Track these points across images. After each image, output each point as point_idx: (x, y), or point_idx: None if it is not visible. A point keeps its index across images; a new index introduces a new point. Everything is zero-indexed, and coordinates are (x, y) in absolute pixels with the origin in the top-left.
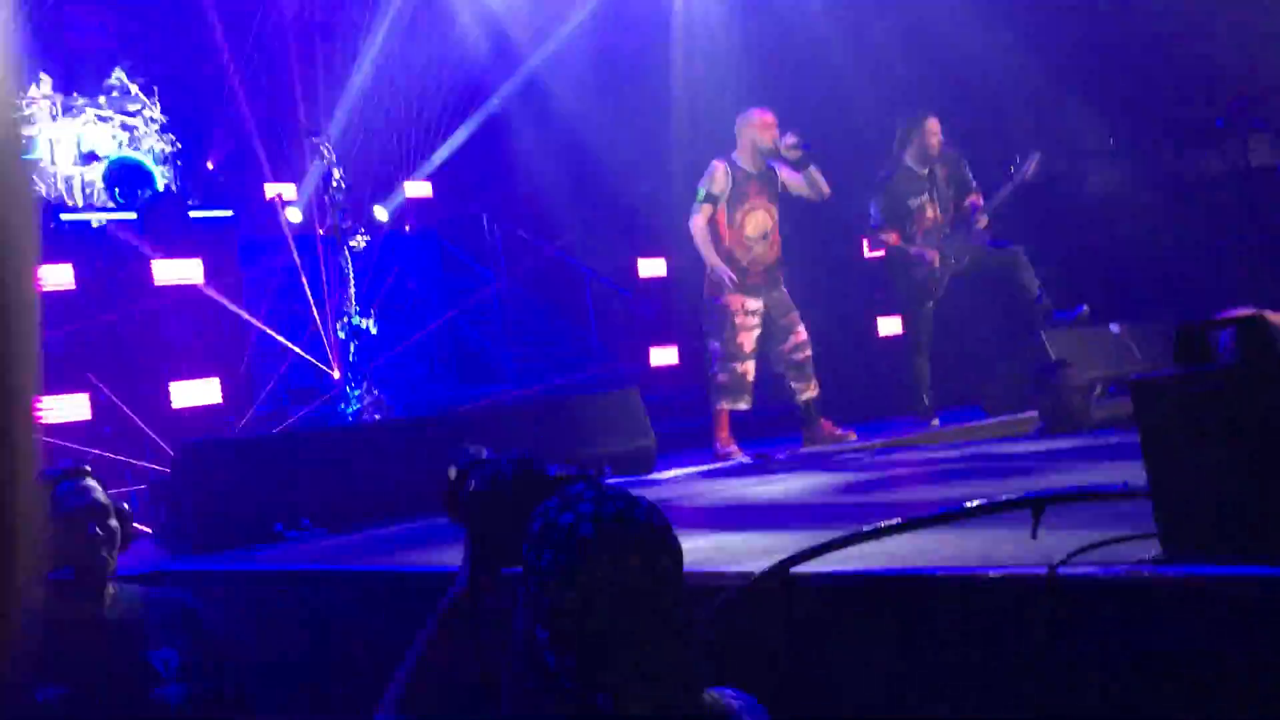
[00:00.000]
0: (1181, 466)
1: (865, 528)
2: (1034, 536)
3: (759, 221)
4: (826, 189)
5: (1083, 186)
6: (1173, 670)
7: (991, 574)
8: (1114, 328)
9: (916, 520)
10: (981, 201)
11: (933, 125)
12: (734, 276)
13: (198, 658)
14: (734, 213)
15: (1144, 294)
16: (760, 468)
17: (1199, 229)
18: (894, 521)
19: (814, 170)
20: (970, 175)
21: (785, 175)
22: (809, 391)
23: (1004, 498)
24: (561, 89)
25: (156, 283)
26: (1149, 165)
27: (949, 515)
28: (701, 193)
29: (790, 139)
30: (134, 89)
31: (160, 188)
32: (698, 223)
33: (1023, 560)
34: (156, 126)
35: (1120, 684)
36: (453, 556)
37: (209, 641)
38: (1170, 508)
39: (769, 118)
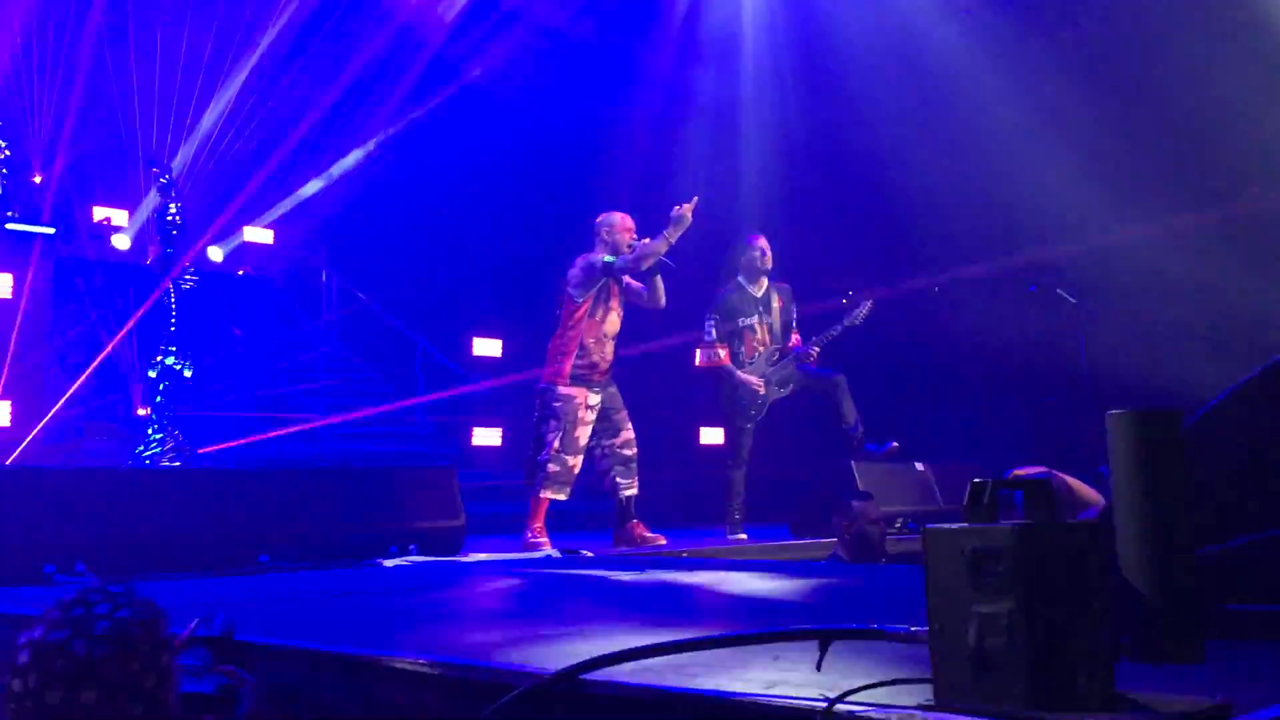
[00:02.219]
0: (959, 615)
1: (664, 642)
2: (819, 669)
3: (614, 321)
4: (663, 299)
5: (907, 326)
6: None
7: (775, 702)
8: (920, 466)
9: (712, 639)
10: (800, 342)
11: (761, 242)
12: (578, 365)
13: None
14: (598, 307)
15: (952, 436)
16: (567, 563)
17: (1009, 383)
18: (691, 637)
19: (658, 279)
20: (794, 315)
21: (627, 280)
22: (631, 488)
23: (794, 628)
24: (418, 154)
25: None
26: (971, 317)
27: (742, 638)
28: (608, 257)
29: (652, 248)
30: None
31: None
32: (620, 259)
33: (805, 691)
34: None
35: None
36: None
37: None
38: (944, 654)
39: (626, 220)
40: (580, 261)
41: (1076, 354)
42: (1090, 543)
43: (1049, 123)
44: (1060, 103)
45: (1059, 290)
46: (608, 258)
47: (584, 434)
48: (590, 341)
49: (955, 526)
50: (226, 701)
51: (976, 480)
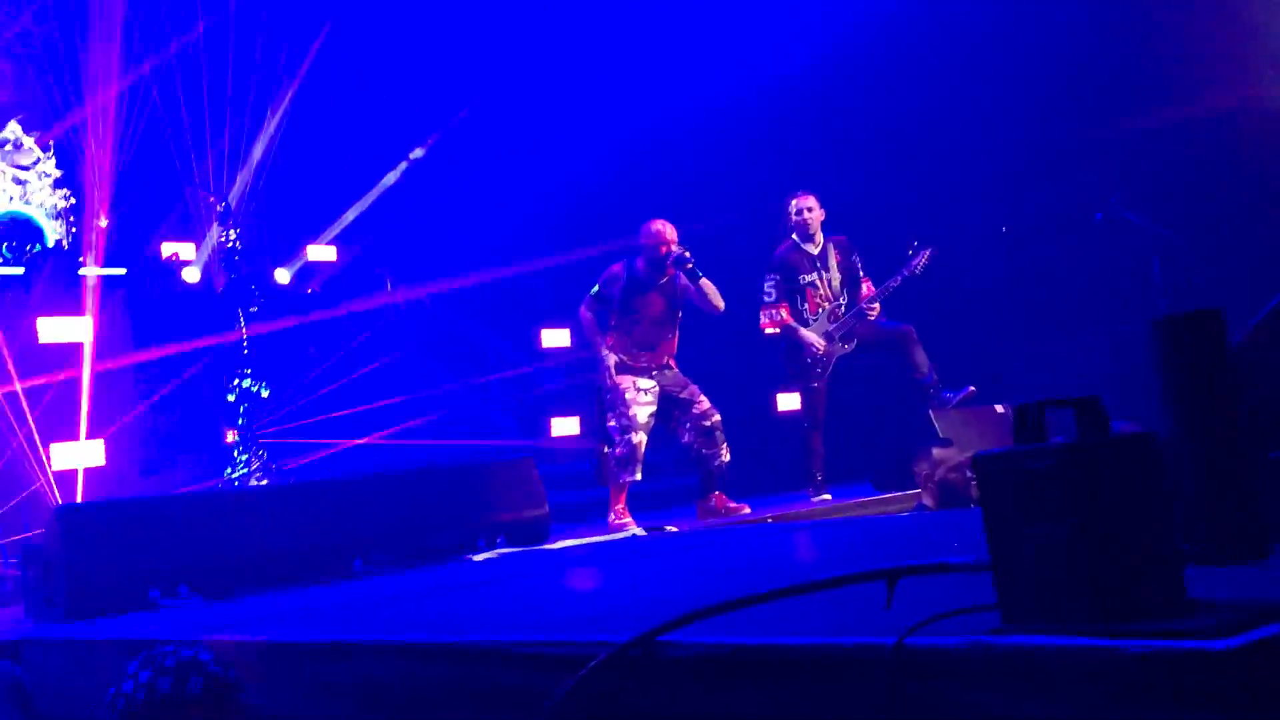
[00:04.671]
0: (1017, 540)
1: (731, 599)
2: (888, 608)
3: (647, 331)
4: (719, 303)
5: (976, 271)
6: None
7: (843, 644)
8: (999, 408)
9: (778, 591)
10: (872, 290)
11: (800, 201)
12: (622, 358)
13: None
14: (624, 320)
15: (1029, 376)
16: (653, 540)
17: (1086, 316)
18: (759, 593)
19: (705, 283)
20: (859, 264)
21: (685, 282)
22: (723, 456)
23: (860, 570)
24: (470, 155)
25: (41, 341)
26: (1039, 252)
27: (809, 586)
28: (595, 289)
29: (677, 250)
30: (28, 142)
31: (51, 244)
32: (585, 314)
33: (874, 631)
34: (50, 181)
35: None
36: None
37: (35, 717)
38: (1007, 581)
39: (664, 230)
40: (604, 274)
41: (1151, 281)
42: (1142, 454)
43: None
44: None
45: (1126, 215)
46: (594, 289)
47: (641, 412)
48: (624, 339)
49: (1004, 450)
50: None
51: (1023, 403)
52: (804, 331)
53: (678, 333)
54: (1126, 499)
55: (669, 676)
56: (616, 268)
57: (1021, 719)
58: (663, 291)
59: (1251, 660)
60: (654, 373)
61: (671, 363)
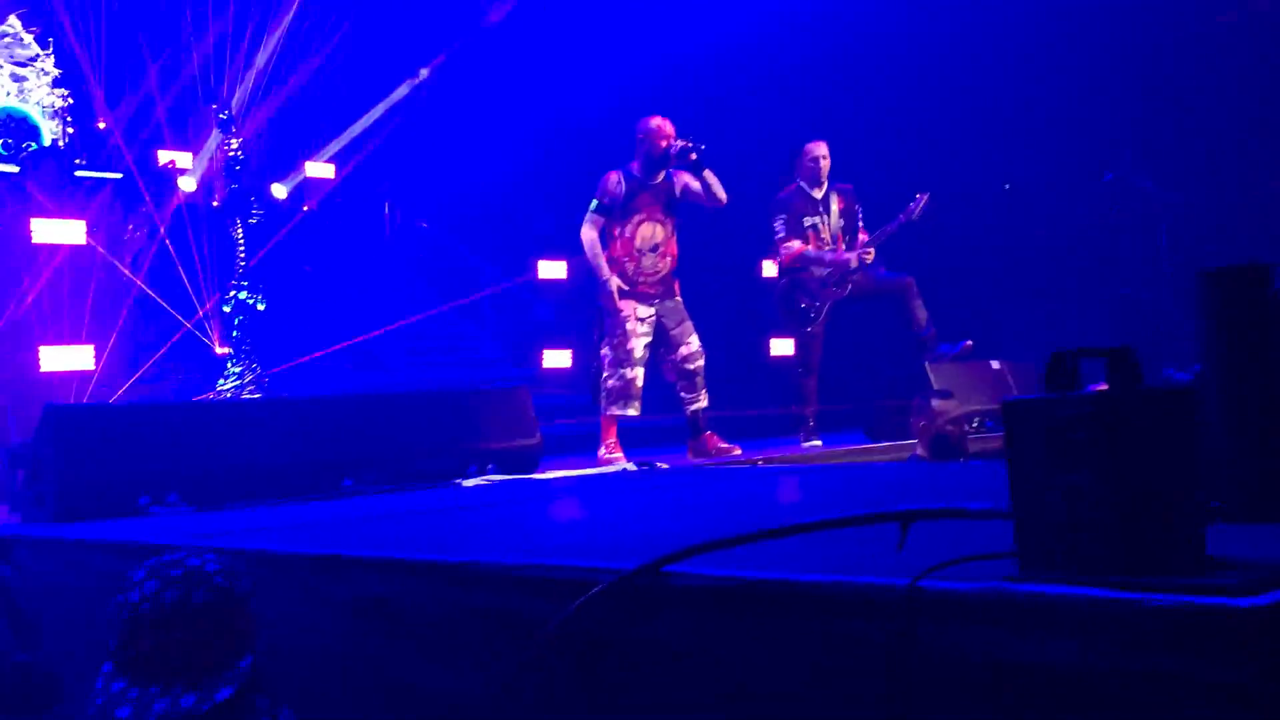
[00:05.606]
0: (1042, 488)
1: (740, 533)
2: (900, 550)
3: (649, 233)
4: (723, 195)
5: (979, 227)
6: (1023, 684)
7: (856, 583)
8: (995, 364)
9: (789, 528)
10: (867, 238)
11: (814, 148)
12: (623, 285)
13: (5, 632)
14: (625, 223)
15: (1026, 334)
16: (643, 475)
17: (1087, 276)
18: (768, 529)
19: (709, 174)
20: (860, 214)
21: (686, 181)
22: (699, 402)
23: (874, 511)
24: (472, 82)
25: (35, 241)
26: (1042, 211)
27: (821, 524)
28: (594, 204)
29: (679, 144)
30: (28, 38)
31: (47, 143)
32: (588, 233)
33: (887, 572)
34: (49, 79)
35: (972, 695)
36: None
37: (18, 615)
38: (1029, 526)
39: (663, 126)
40: (600, 185)
41: (1156, 243)
42: (1174, 408)
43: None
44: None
45: (1135, 178)
46: (592, 204)
47: (638, 345)
48: (625, 258)
49: (1036, 397)
50: None
51: (1057, 350)
52: (827, 256)
53: (676, 242)
54: (1157, 452)
55: (673, 608)
56: (612, 175)
57: (1036, 666)
58: (657, 194)
59: (1275, 619)
60: (655, 299)
61: (675, 286)
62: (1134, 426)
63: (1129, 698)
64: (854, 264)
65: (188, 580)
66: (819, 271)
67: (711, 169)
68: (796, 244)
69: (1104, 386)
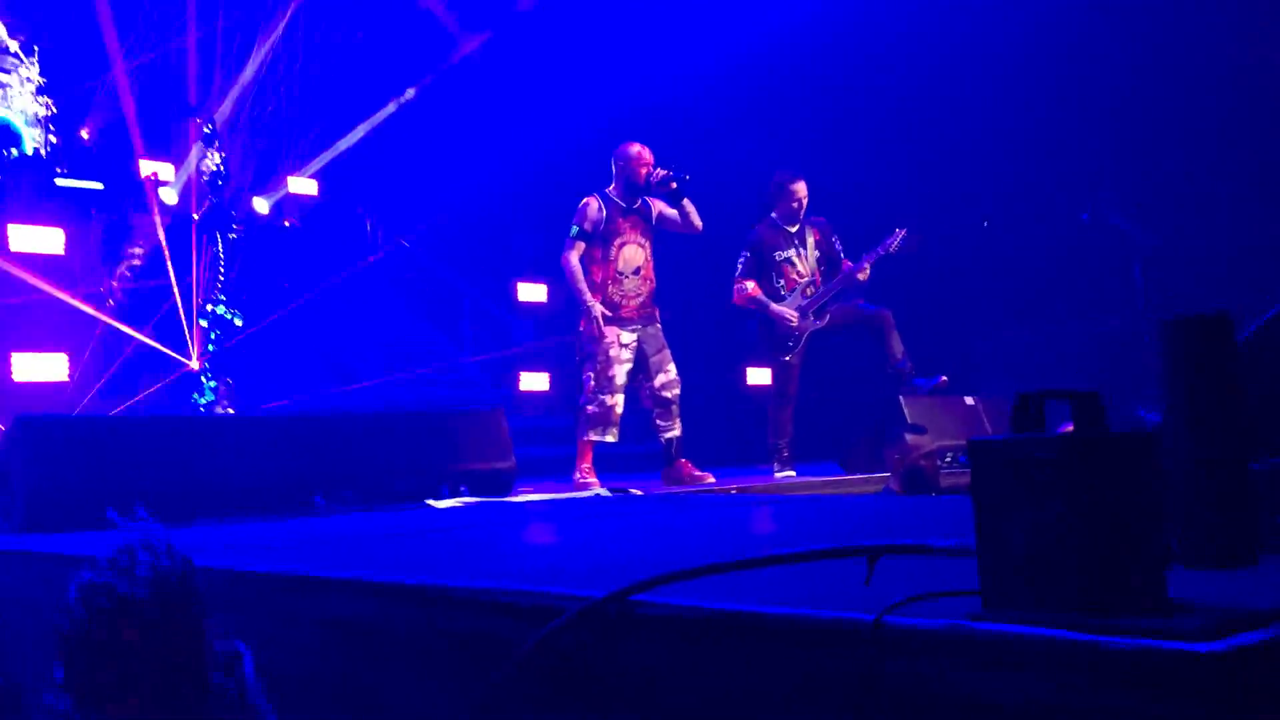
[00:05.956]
0: (1006, 525)
1: (709, 563)
2: (867, 584)
3: (630, 256)
4: (699, 222)
5: (956, 262)
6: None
7: (823, 617)
8: (969, 400)
9: (758, 559)
10: (851, 265)
11: (799, 189)
12: (606, 311)
13: None
14: (607, 247)
15: (1002, 369)
16: (616, 501)
17: (1062, 314)
18: (737, 559)
19: (687, 202)
20: (839, 246)
21: (660, 208)
22: (673, 430)
23: (842, 545)
24: (457, 103)
25: (11, 249)
26: (1019, 248)
27: (789, 557)
28: (574, 230)
29: (660, 173)
30: (13, 45)
31: (29, 151)
32: (569, 258)
33: (855, 607)
34: (33, 87)
35: None
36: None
37: None
38: (992, 566)
39: (643, 153)
40: (578, 211)
41: (1131, 283)
42: (1139, 452)
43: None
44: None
45: (1112, 217)
46: (573, 230)
47: (620, 373)
48: (608, 282)
49: (1002, 437)
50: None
51: (1022, 392)
52: (774, 305)
53: (653, 270)
54: (1120, 494)
55: (641, 636)
56: (591, 201)
57: (999, 704)
58: (637, 218)
59: (1234, 665)
60: (637, 324)
61: (655, 313)
62: (1098, 469)
63: None
64: (795, 321)
65: (119, 610)
66: (779, 311)
67: (689, 197)
68: (750, 285)
69: (1070, 427)
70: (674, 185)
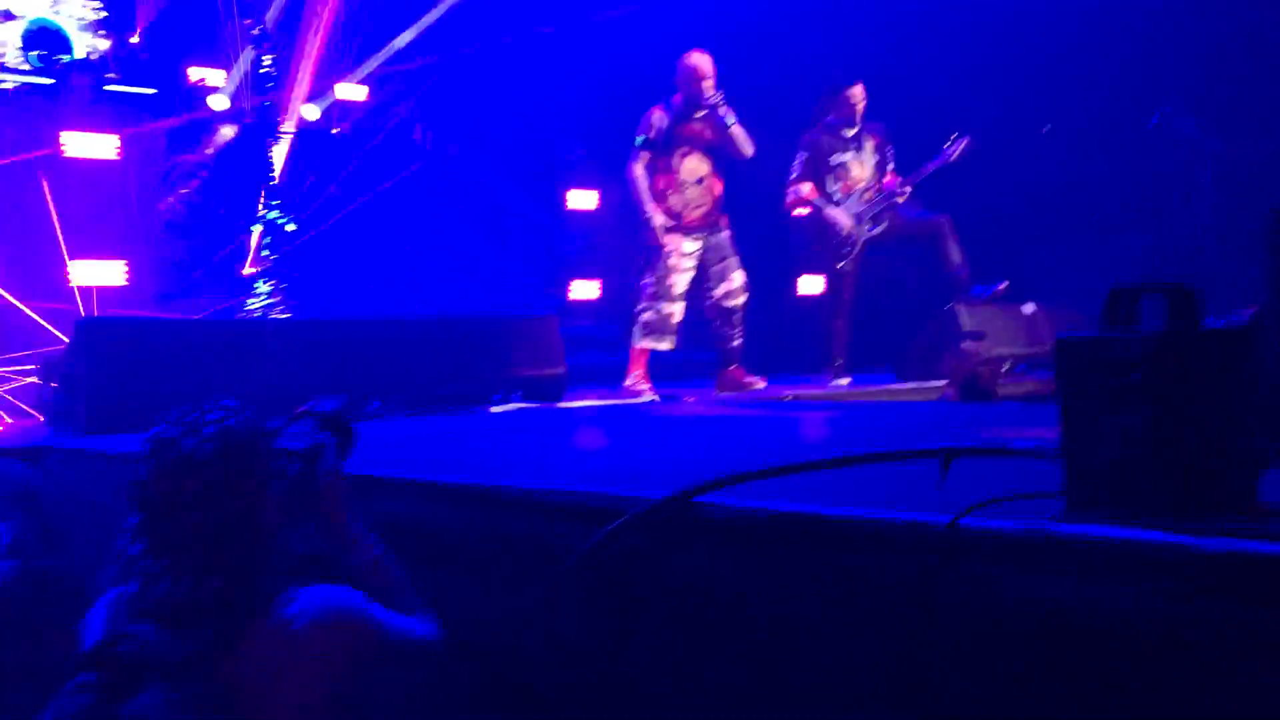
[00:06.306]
0: (1094, 428)
1: (773, 465)
2: (939, 486)
3: (694, 165)
4: (748, 149)
5: (1015, 167)
6: (1063, 626)
7: (895, 520)
8: (1028, 307)
9: (825, 461)
10: (897, 183)
11: (855, 92)
12: (668, 220)
13: (32, 535)
14: (669, 156)
15: (1060, 278)
16: (669, 406)
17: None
18: (803, 461)
19: (736, 129)
20: (891, 154)
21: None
22: (734, 340)
23: (914, 448)
24: (510, 7)
25: (66, 155)
26: (1082, 154)
27: (859, 458)
28: (639, 139)
29: (715, 97)
30: None
31: (80, 56)
32: (634, 168)
33: (927, 509)
34: None
35: (1010, 636)
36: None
37: (46, 521)
38: (1079, 467)
39: (699, 65)
40: (643, 120)
41: (1193, 193)
42: (1233, 350)
43: None
44: None
45: (1181, 123)
46: (638, 140)
47: (679, 281)
48: (670, 191)
49: (1091, 335)
50: (312, 457)
51: (1117, 285)
52: (829, 209)
53: (720, 178)
54: (1214, 395)
55: (704, 539)
56: (655, 110)
57: (1079, 611)
58: (700, 128)
59: None
60: (700, 233)
61: (720, 221)
62: (1192, 368)
63: (1173, 643)
64: (850, 228)
65: (181, 464)
66: (834, 215)
67: (740, 118)
68: (807, 187)
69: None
70: (724, 112)
